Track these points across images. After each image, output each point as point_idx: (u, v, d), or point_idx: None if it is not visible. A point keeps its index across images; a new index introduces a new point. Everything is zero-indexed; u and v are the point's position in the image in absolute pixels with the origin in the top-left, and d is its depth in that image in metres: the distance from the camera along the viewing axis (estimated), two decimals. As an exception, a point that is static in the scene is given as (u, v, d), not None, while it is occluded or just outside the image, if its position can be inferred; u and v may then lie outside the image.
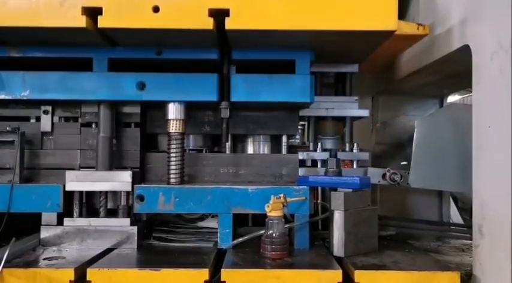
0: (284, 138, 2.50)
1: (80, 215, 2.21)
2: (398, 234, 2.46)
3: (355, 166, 2.52)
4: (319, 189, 2.47)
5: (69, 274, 1.79)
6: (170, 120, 2.24)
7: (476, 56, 1.88)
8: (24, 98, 2.19)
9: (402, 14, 2.58)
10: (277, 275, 1.78)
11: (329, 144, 2.61)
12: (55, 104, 2.37)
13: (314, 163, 2.52)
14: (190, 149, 2.49)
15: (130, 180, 2.17)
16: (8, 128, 2.26)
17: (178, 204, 2.17)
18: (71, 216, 2.19)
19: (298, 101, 2.24)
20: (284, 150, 2.49)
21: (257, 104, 2.33)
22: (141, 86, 2.18)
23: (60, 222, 2.18)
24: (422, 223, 2.75)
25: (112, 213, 2.24)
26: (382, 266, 1.87)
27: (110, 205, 2.26)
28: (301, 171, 2.44)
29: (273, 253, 1.94)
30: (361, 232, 2.06)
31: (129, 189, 2.18)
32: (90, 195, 2.26)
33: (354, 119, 2.61)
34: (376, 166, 2.58)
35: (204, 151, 2.52)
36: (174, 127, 2.24)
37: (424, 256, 2.10)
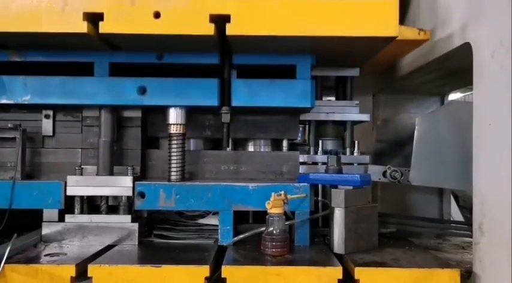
0: (285, 142, 2.50)
1: (81, 212, 2.21)
2: (399, 232, 2.46)
3: (355, 165, 2.53)
4: (320, 186, 2.47)
5: (71, 270, 1.80)
6: (171, 124, 2.25)
7: (477, 53, 1.87)
8: (26, 103, 2.19)
9: (402, 15, 2.57)
10: (278, 272, 1.79)
11: (330, 145, 2.61)
12: (56, 108, 2.38)
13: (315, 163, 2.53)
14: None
15: (131, 185, 2.18)
16: (9, 125, 2.27)
17: (179, 201, 2.17)
18: (72, 212, 2.20)
19: (299, 106, 2.23)
20: None
21: (258, 108, 2.32)
22: (142, 91, 2.18)
23: (61, 219, 2.19)
24: (422, 221, 2.75)
25: (113, 210, 2.25)
26: (382, 263, 1.88)
27: (111, 202, 2.27)
28: (302, 169, 2.44)
29: (274, 250, 1.95)
30: (361, 230, 2.06)
31: (130, 194, 2.18)
32: (92, 192, 2.27)
33: (355, 123, 2.58)
34: (377, 164, 2.58)
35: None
36: (175, 129, 2.24)
37: (424, 253, 2.11)
